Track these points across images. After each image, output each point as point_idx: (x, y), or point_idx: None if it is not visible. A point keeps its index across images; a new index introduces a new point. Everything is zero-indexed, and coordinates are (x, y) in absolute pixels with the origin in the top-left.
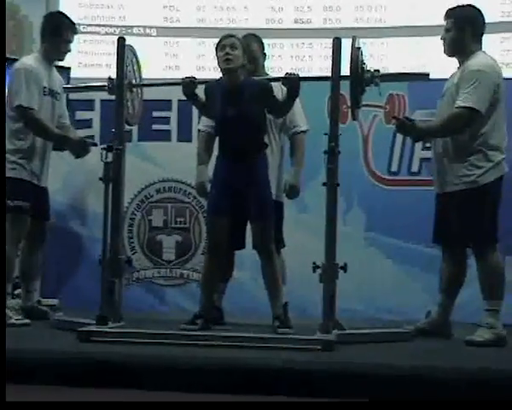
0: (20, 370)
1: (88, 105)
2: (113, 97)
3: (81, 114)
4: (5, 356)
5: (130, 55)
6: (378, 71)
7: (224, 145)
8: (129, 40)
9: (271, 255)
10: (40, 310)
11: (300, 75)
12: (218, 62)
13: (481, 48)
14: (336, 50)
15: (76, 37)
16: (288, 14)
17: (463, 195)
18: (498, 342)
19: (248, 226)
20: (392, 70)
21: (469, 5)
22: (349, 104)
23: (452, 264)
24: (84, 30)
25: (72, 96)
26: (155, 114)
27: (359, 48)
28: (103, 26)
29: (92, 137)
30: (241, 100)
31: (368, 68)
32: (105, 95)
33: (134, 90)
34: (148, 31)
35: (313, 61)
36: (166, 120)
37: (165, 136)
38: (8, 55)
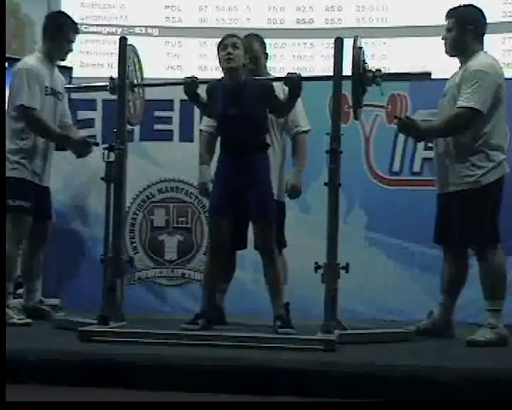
0: (22, 369)
1: (90, 105)
2: (114, 97)
3: (83, 114)
4: (5, 356)
5: (132, 55)
6: (380, 70)
7: (226, 145)
8: (131, 40)
9: (273, 255)
10: (42, 310)
11: (302, 75)
12: (220, 62)
13: (483, 48)
14: (338, 50)
15: (78, 36)
16: (290, 14)
17: (465, 195)
18: (500, 342)
19: (250, 226)
20: (393, 70)
21: (471, 5)
22: (351, 104)
23: (454, 264)
24: (86, 30)
25: (74, 95)
26: (157, 113)
27: (361, 47)
28: (105, 25)
29: (94, 136)
30: (243, 100)
31: (369, 68)
32: (107, 94)
33: (136, 89)
34: (149, 31)
35: (315, 61)
36: (168, 120)
37: (166, 136)
38: (9, 55)
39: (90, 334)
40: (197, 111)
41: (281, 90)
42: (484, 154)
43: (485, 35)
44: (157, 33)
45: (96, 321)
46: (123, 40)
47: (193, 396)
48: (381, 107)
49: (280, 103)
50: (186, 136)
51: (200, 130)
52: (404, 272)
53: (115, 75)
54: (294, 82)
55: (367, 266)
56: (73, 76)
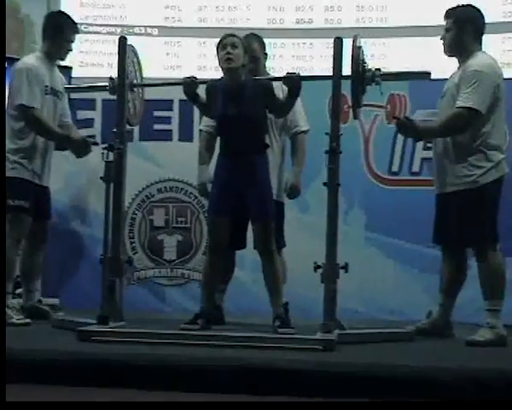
0: (21, 369)
1: (89, 104)
2: (114, 97)
3: (82, 114)
4: (5, 356)
5: (132, 55)
6: (379, 70)
7: (225, 145)
8: (130, 40)
9: (272, 255)
10: (41, 309)
11: (301, 75)
12: (219, 62)
13: (481, 48)
14: (337, 50)
15: (77, 36)
16: (290, 14)
17: (464, 195)
18: (499, 342)
19: (249, 226)
20: (393, 70)
21: (469, 5)
22: (350, 104)
23: (453, 264)
24: (86, 29)
25: (74, 95)
26: (156, 113)
27: (360, 47)
28: (104, 25)
29: (93, 136)
30: (242, 100)
31: (369, 67)
32: (106, 94)
33: (135, 89)
34: (149, 30)
35: (314, 61)
36: (168, 120)
37: (166, 135)
38: (9, 55)
39: (89, 334)
40: (196, 111)
41: (280, 90)
42: (482, 154)
43: (485, 35)
44: (156, 33)
45: (95, 321)
46: (122, 40)
47: (192, 396)
48: (381, 107)
49: (279, 103)
50: (185, 136)
51: (200, 130)
52: (403, 272)
53: (115, 75)
54: (294, 82)
55: (366, 266)
56: (73, 76)
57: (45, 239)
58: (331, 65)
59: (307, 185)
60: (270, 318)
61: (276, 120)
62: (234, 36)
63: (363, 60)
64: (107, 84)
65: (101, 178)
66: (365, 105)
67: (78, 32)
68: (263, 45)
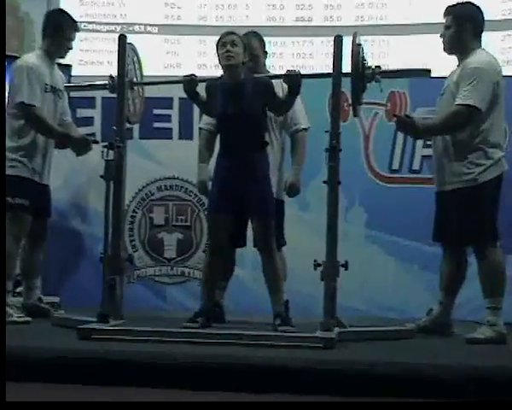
0: (21, 368)
1: (89, 103)
2: (114, 95)
3: (82, 112)
4: (5, 355)
5: (132, 53)
6: (379, 67)
7: (225, 143)
8: (130, 38)
9: (272, 253)
10: (41, 308)
11: (301, 73)
12: (219, 60)
13: (481, 45)
14: (337, 48)
15: (77, 34)
16: (290, 12)
17: (463, 193)
18: (499, 339)
19: (249, 224)
20: (393, 68)
21: (469, 2)
22: (350, 102)
23: (453, 262)
24: (85, 27)
25: (74, 93)
26: (156, 111)
27: (360, 44)
28: (104, 23)
29: (93, 134)
30: (242, 97)
31: (369, 65)
32: (106, 92)
33: (135, 88)
34: (149, 28)
35: (314, 58)
36: (167, 118)
37: (166, 134)
38: (9, 53)
39: (89, 332)
40: (196, 109)
41: (280, 88)
42: (482, 151)
43: (485, 33)
44: (156, 31)
45: (95, 319)
46: (122, 38)
47: (192, 394)
48: (381, 105)
49: (279, 101)
50: (185, 134)
51: (200, 128)
52: (403, 270)
53: (115, 73)
54: (294, 79)
55: (367, 264)
56: (73, 74)
57: (45, 237)
58: (331, 63)
59: (307, 183)
60: (270, 316)
61: (276, 117)
62: (234, 34)
63: (363, 57)
64: (106, 82)
65: (101, 176)
66: (365, 103)
67: (78, 30)
68: (263, 43)
